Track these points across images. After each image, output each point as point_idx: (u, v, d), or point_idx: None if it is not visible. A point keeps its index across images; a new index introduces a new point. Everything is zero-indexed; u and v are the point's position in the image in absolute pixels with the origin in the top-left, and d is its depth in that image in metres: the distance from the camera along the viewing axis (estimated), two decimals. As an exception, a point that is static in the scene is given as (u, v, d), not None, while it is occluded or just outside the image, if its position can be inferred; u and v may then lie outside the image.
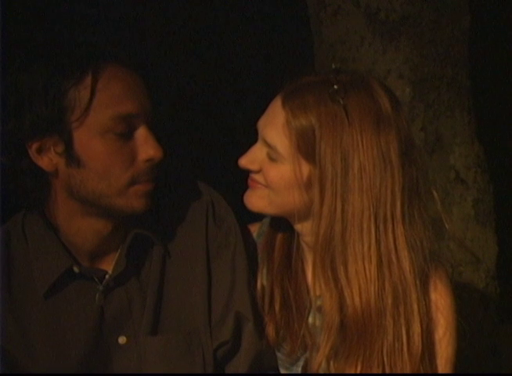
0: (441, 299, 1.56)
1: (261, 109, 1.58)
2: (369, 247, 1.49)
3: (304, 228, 1.58)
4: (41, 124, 1.45)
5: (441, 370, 1.57)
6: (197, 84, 3.01)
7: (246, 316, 1.60)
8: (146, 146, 1.49)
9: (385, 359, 1.51)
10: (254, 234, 1.71)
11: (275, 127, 1.51)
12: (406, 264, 1.51)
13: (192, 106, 2.99)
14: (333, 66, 1.56)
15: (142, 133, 1.50)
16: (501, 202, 2.55)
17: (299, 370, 1.61)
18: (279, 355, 1.63)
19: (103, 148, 1.47)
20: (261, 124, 1.55)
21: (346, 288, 1.50)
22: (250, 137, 1.60)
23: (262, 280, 1.64)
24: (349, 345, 1.52)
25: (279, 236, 1.65)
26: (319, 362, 1.55)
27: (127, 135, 1.48)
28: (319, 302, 1.58)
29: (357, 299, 1.50)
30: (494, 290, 2.50)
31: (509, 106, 3.23)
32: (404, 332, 1.50)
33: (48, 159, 1.49)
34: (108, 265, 1.57)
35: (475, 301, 2.45)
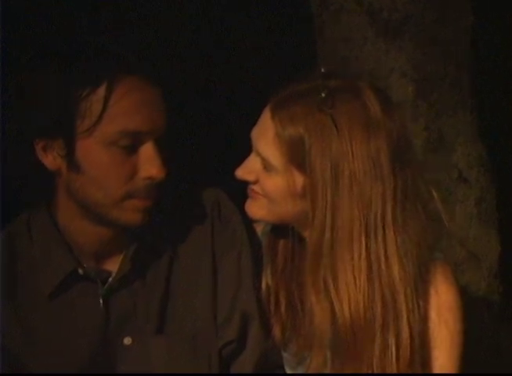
0: (444, 302, 1.55)
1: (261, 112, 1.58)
2: (359, 257, 1.48)
3: (305, 231, 1.58)
4: (49, 125, 1.45)
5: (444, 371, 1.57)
6: (198, 86, 3.00)
7: (252, 315, 1.60)
8: (148, 164, 1.47)
9: (375, 369, 1.50)
10: (259, 234, 1.71)
11: (266, 139, 1.51)
12: (396, 271, 1.49)
13: (196, 108, 2.99)
14: (322, 69, 1.55)
15: (147, 150, 1.48)
16: (503, 201, 2.55)
17: (305, 370, 1.61)
18: (285, 355, 1.63)
19: (105, 159, 1.46)
20: (254, 135, 1.55)
21: (335, 300, 1.49)
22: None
23: (267, 280, 1.64)
24: (341, 357, 1.52)
25: (282, 236, 1.65)
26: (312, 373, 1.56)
27: (131, 150, 1.47)
28: None
29: (346, 310, 1.49)
30: (496, 289, 2.51)
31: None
32: (393, 342, 1.49)
33: (52, 158, 1.49)
34: (113, 266, 1.56)
35: (477, 300, 2.46)
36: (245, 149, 1.59)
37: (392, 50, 2.38)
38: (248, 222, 1.67)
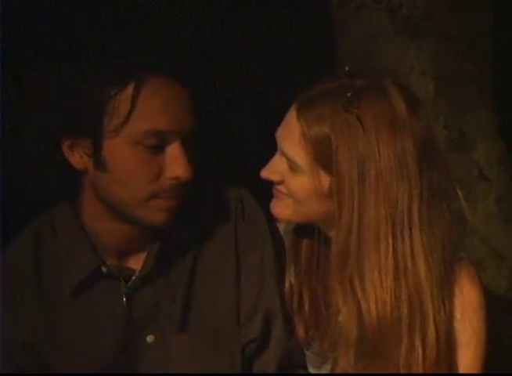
0: (469, 302, 1.54)
1: (281, 110, 1.57)
2: (386, 257, 1.48)
3: (330, 230, 1.57)
4: (77, 124, 1.46)
5: (466, 369, 1.55)
6: (221, 85, 3.00)
7: (275, 313, 1.60)
8: (174, 164, 1.48)
9: (401, 369, 1.49)
10: (281, 232, 1.70)
11: (292, 140, 1.51)
12: (422, 271, 1.49)
13: (221, 106, 2.99)
14: (347, 68, 1.54)
15: (173, 150, 1.48)
16: (524, 199, 2.54)
17: (329, 369, 1.61)
18: (308, 354, 1.63)
19: (130, 158, 1.46)
20: (279, 135, 1.55)
21: (362, 300, 1.49)
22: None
23: (291, 279, 1.64)
24: (367, 357, 1.51)
25: (306, 235, 1.64)
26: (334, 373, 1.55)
27: (158, 149, 1.47)
28: None
29: (373, 311, 1.48)
30: (517, 287, 2.50)
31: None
32: (420, 342, 1.49)
33: (79, 157, 1.50)
34: (137, 264, 1.57)
35: (498, 298, 2.45)
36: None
37: (412, 48, 2.37)
38: (271, 221, 1.67)
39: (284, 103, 1.56)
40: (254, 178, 1.61)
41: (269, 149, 1.58)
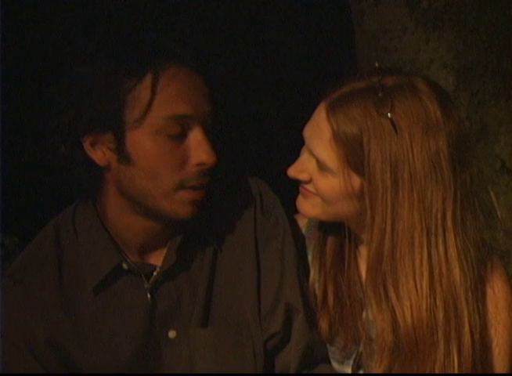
0: (500, 299, 1.53)
1: (301, 102, 1.55)
2: (421, 263, 1.46)
3: (359, 229, 1.56)
4: (98, 119, 1.45)
5: (498, 370, 1.54)
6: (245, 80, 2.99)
7: (296, 307, 1.59)
8: (198, 150, 1.47)
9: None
10: (304, 226, 1.69)
11: (322, 141, 1.48)
12: (457, 275, 1.47)
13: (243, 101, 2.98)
14: (377, 64, 1.51)
15: (196, 136, 1.48)
16: (547, 191, 2.51)
17: (352, 364, 1.60)
18: (332, 349, 1.62)
19: (154, 148, 1.46)
20: (307, 135, 1.52)
21: (397, 307, 1.47)
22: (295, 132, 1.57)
23: (315, 273, 1.62)
24: (402, 364, 1.49)
25: (332, 230, 1.63)
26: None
27: (180, 137, 1.47)
28: None
29: (409, 318, 1.47)
30: (540, 281, 2.47)
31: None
32: (455, 348, 1.47)
33: (102, 153, 1.49)
34: (157, 260, 1.57)
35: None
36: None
37: (432, 40, 2.35)
38: (290, 214, 1.65)
39: (301, 99, 1.54)
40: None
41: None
